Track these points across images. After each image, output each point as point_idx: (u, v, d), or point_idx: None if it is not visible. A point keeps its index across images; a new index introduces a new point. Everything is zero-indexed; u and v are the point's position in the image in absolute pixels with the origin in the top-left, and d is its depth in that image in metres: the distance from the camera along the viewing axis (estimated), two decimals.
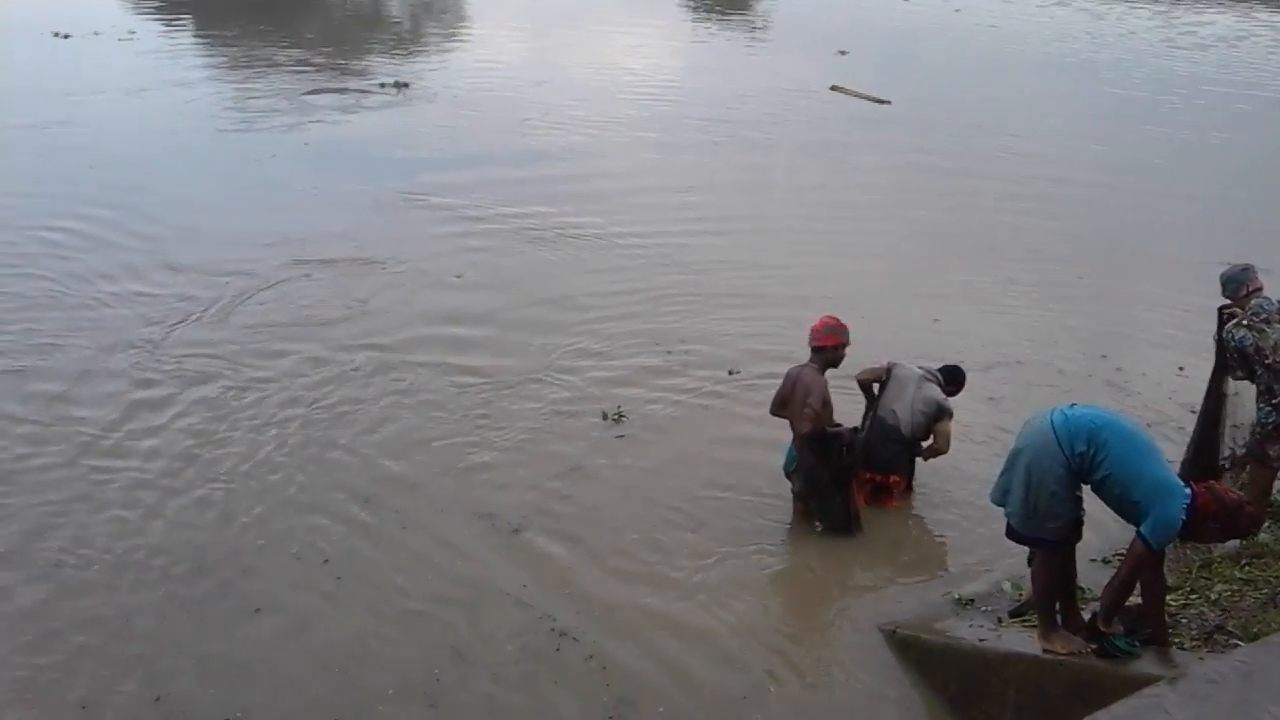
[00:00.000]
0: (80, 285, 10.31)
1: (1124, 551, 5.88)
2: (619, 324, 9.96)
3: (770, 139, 16.40)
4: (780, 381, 6.88)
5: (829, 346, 6.64)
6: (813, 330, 6.71)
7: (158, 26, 25.05)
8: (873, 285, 10.89)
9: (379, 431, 7.98)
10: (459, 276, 10.99)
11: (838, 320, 6.73)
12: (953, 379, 7.23)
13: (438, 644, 5.75)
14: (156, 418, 7.98)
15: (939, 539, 6.99)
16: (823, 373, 6.62)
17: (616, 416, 8.26)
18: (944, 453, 7.05)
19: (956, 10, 28.98)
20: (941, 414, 6.96)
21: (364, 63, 21.62)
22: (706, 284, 10.91)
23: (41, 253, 11.11)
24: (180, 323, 9.60)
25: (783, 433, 6.94)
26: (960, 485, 7.34)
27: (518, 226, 12.40)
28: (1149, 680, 4.44)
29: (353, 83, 19.55)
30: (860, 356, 7.16)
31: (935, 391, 6.98)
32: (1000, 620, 5.80)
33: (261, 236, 11.71)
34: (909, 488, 7.25)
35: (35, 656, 5.58)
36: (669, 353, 9.38)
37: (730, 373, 9.01)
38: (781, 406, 6.85)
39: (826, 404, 6.55)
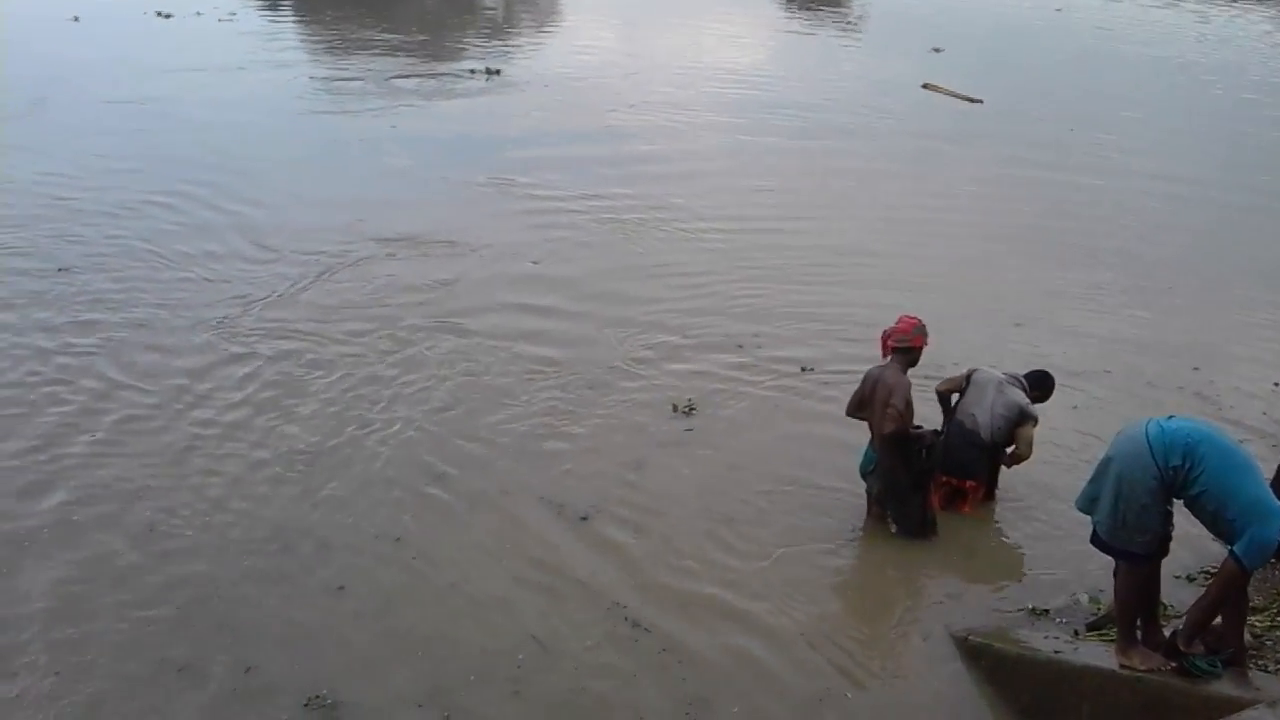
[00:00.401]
0: (174, 259, 10.55)
1: (1210, 569, 5.69)
2: (694, 316, 9.90)
3: (858, 134, 16.22)
4: (858, 382, 6.74)
5: (917, 347, 6.52)
6: (897, 331, 6.54)
7: (257, 9, 25.59)
8: (954, 286, 10.70)
9: (452, 411, 8.04)
10: (536, 262, 11.04)
11: (921, 321, 6.61)
12: (1039, 384, 7.03)
13: (516, 630, 5.76)
14: (239, 392, 8.13)
15: (1014, 547, 6.84)
16: (905, 373, 6.51)
17: (687, 409, 8.22)
18: (1025, 458, 6.85)
19: (1058, 10, 28.30)
20: (1024, 418, 6.79)
21: (456, 48, 21.86)
22: (784, 278, 10.84)
23: (140, 226, 11.37)
24: (264, 299, 9.76)
25: (854, 433, 6.87)
26: (1039, 494, 7.18)
27: (600, 213, 12.47)
28: (1229, 702, 4.30)
29: (444, 67, 19.79)
30: (938, 357, 7.03)
31: (1018, 395, 6.82)
32: (1077, 632, 5.66)
33: (346, 216, 11.88)
34: (989, 495, 7.09)
35: (136, 615, 5.73)
36: (741, 346, 9.30)
37: (804, 369, 8.91)
38: (859, 408, 6.74)
39: (909, 405, 6.43)
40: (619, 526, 6.73)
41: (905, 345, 6.51)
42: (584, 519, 6.78)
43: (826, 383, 8.54)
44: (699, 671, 5.52)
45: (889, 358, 6.57)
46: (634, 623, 5.82)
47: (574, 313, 9.90)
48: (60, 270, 10.12)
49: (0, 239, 10.78)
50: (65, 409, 7.74)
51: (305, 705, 5.17)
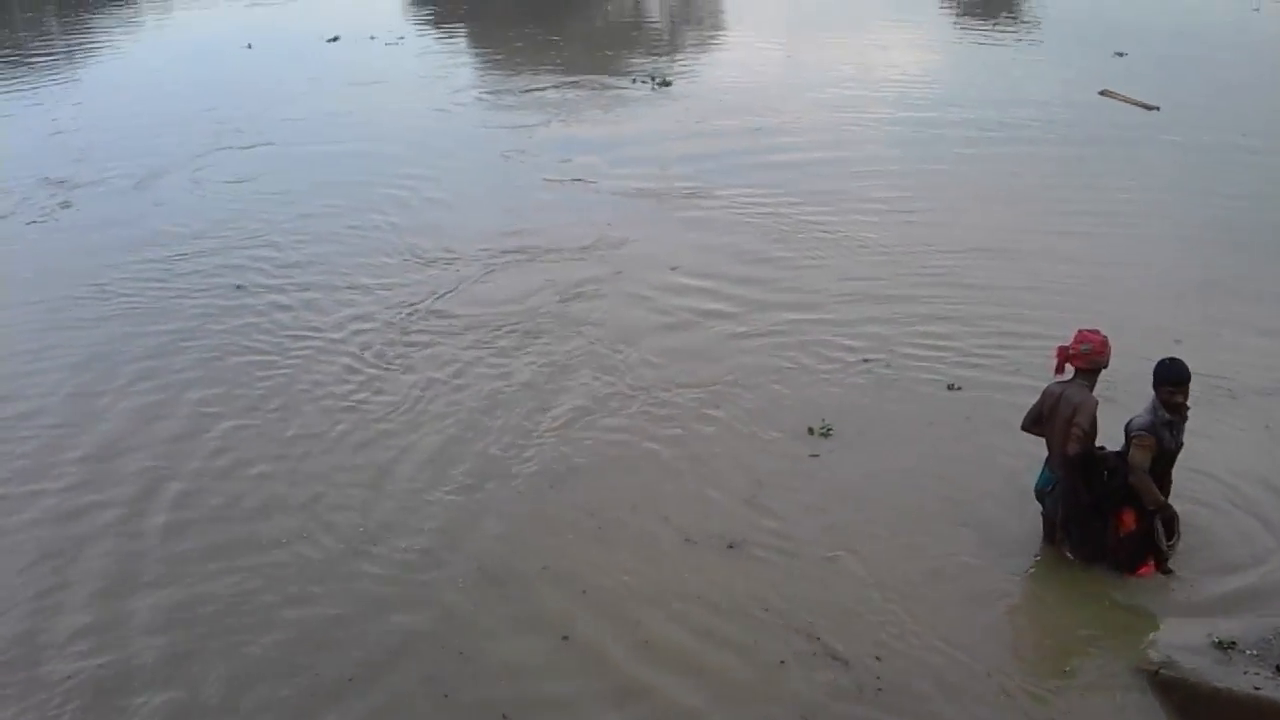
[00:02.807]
0: (348, 266, 11.69)
1: None
2: (839, 328, 9.89)
3: (1029, 144, 15.76)
4: (1038, 398, 6.57)
5: (1106, 364, 6.29)
6: (1087, 350, 6.24)
7: (429, 32, 26.71)
8: (1120, 299, 10.33)
9: (596, 426, 8.41)
10: (674, 268, 11.44)
11: (1106, 336, 6.32)
12: (1162, 376, 6.18)
13: (716, 671, 5.88)
14: (389, 395, 8.90)
15: (1196, 577, 6.47)
16: (1091, 390, 6.26)
17: (824, 431, 8.13)
18: (1140, 489, 6.19)
19: (1255, 9, 26.62)
20: (1127, 438, 6.29)
21: (624, 63, 22.24)
22: (937, 291, 10.72)
23: (315, 231, 12.61)
24: (421, 302, 10.68)
25: (1011, 457, 6.69)
26: (1226, 522, 6.86)
27: (758, 220, 12.77)
28: None
29: (611, 81, 20.21)
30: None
31: (1135, 418, 6.31)
32: (1278, 668, 5.46)
33: (503, 224, 12.69)
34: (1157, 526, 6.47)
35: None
36: (888, 366, 9.17)
37: (950, 388, 8.71)
38: (1035, 423, 6.56)
39: (1094, 425, 6.21)
40: (769, 553, 6.79)
41: (1094, 363, 6.25)
42: (730, 546, 6.86)
43: (984, 401, 8.44)
44: (902, 701, 5.58)
45: (1071, 374, 6.34)
46: (832, 655, 5.92)
47: (714, 325, 10.13)
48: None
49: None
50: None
51: None
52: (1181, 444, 6.26)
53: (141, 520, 7.37)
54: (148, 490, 7.72)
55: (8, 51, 24.08)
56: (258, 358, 9.68)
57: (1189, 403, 6.23)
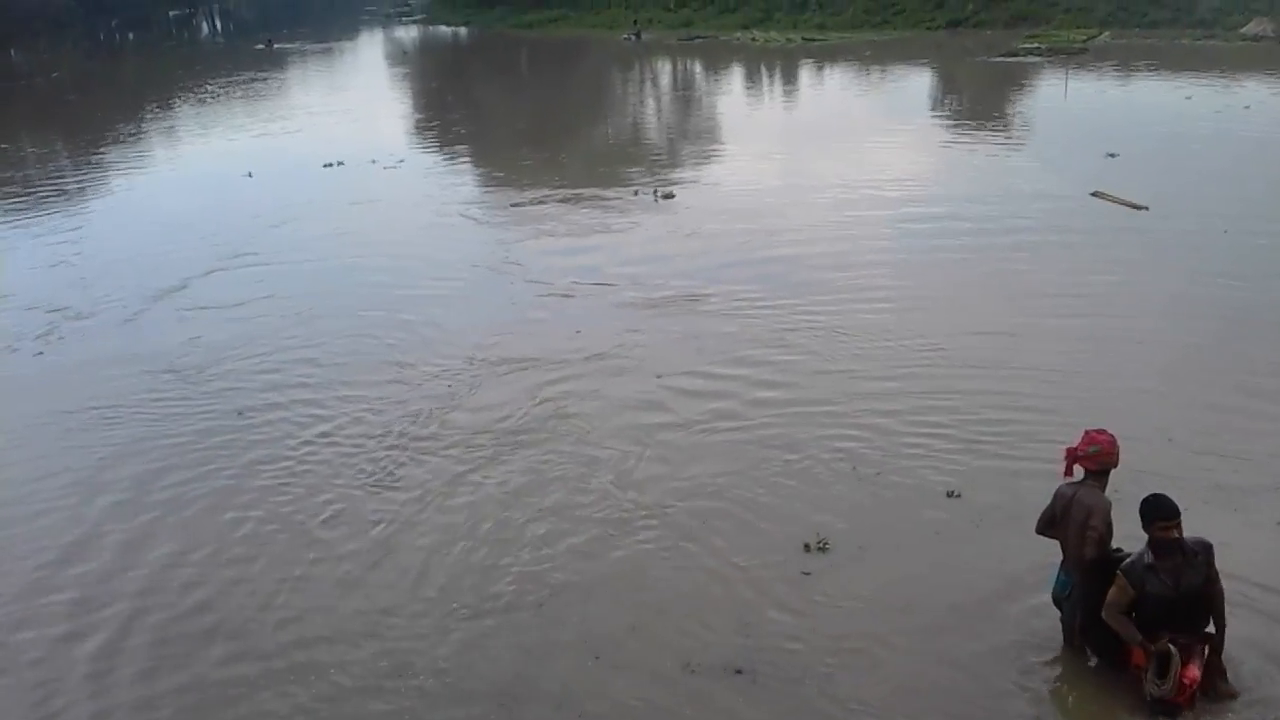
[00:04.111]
0: (342, 386, 11.77)
1: None
2: (831, 428, 9.95)
3: (1022, 240, 15.91)
4: (1050, 501, 6.45)
5: (1115, 464, 6.15)
6: (1097, 453, 6.13)
7: (431, 154, 27.24)
8: (1113, 389, 10.39)
9: (585, 543, 8.31)
10: (659, 377, 11.51)
11: (1115, 436, 6.19)
12: (1147, 514, 5.91)
13: None
14: (378, 515, 8.80)
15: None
16: (1103, 491, 6.13)
17: (821, 546, 7.92)
18: (1114, 627, 5.97)
19: (1246, 107, 26.99)
20: None
21: (625, 177, 22.52)
22: (932, 384, 10.78)
23: (310, 350, 12.83)
24: (413, 420, 10.72)
25: (1024, 562, 6.56)
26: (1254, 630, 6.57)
27: (753, 321, 13.00)
28: None
29: (612, 194, 20.53)
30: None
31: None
32: None
33: (496, 336, 12.99)
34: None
35: None
36: (885, 469, 9.03)
37: (950, 495, 8.51)
38: (1049, 526, 6.41)
39: (1110, 527, 6.07)
40: (785, 684, 6.55)
41: (1103, 464, 6.10)
42: (739, 672, 6.66)
43: (986, 510, 8.30)
44: None
45: (1082, 476, 6.19)
46: None
47: (704, 432, 10.06)
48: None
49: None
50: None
51: None
52: (1188, 585, 5.85)
53: (115, 659, 7.21)
54: (124, 627, 7.59)
55: (17, 188, 24.56)
56: (253, 483, 9.71)
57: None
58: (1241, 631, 6.40)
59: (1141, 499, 5.88)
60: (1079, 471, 6.26)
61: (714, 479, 9.12)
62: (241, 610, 7.77)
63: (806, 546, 7.95)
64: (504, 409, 10.86)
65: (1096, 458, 6.12)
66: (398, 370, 12.12)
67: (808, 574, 7.67)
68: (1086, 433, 6.24)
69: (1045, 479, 7.61)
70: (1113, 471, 6.22)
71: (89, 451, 10.55)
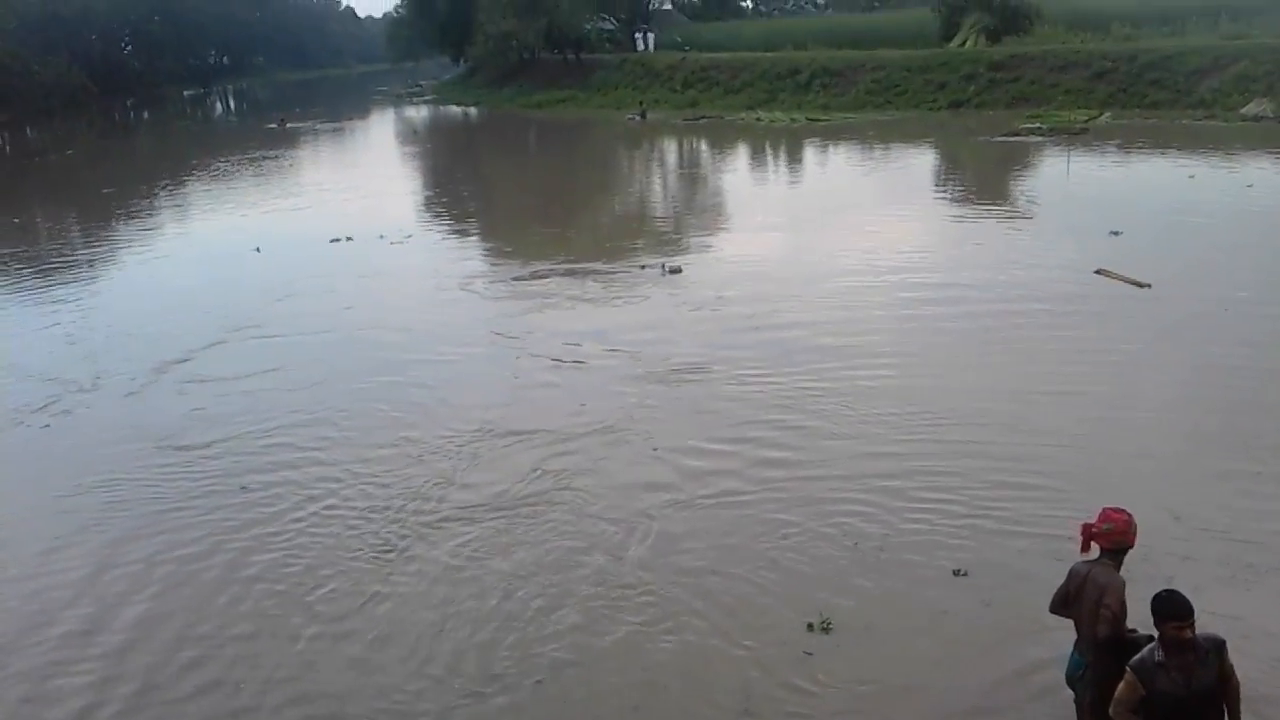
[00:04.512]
0: (346, 460, 11.55)
1: None
2: (832, 502, 9.84)
3: (1026, 316, 15.94)
4: (1064, 579, 6.30)
5: (1131, 544, 6.04)
6: (1110, 530, 6.00)
7: (439, 229, 27.50)
8: (1117, 461, 10.38)
9: (583, 618, 8.21)
10: (654, 450, 11.53)
11: (1131, 516, 6.06)
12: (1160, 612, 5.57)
13: None
14: (380, 588, 8.69)
15: None
16: (1118, 570, 6.01)
17: (824, 626, 7.79)
18: None
19: (1249, 186, 27.19)
20: None
21: (632, 252, 22.73)
22: (934, 461, 10.70)
23: (314, 424, 12.72)
24: (414, 495, 10.62)
25: (1035, 643, 6.35)
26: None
27: (756, 394, 13.00)
28: None
29: (619, 268, 20.67)
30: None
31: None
32: None
33: (499, 409, 13.00)
34: None
35: None
36: (881, 550, 8.91)
37: (956, 573, 8.39)
38: (1063, 604, 6.28)
39: (1124, 606, 5.94)
40: None
41: (1123, 545, 6.01)
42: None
43: (994, 589, 8.16)
44: None
45: (1097, 553, 6.08)
46: None
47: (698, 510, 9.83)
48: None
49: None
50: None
51: None
52: (1200, 684, 5.56)
53: None
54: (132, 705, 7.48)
55: (28, 262, 24.77)
56: (252, 559, 9.64)
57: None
58: None
59: (1154, 595, 5.59)
60: (1096, 549, 6.15)
61: (716, 554, 9.05)
62: (242, 689, 7.67)
63: (810, 626, 7.83)
64: (507, 482, 10.81)
65: (1111, 535, 6.02)
66: (401, 443, 12.10)
67: (810, 654, 7.53)
68: (1104, 510, 6.14)
69: (1051, 557, 7.58)
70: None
71: (92, 527, 10.50)
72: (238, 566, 9.53)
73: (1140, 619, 6.11)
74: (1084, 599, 6.07)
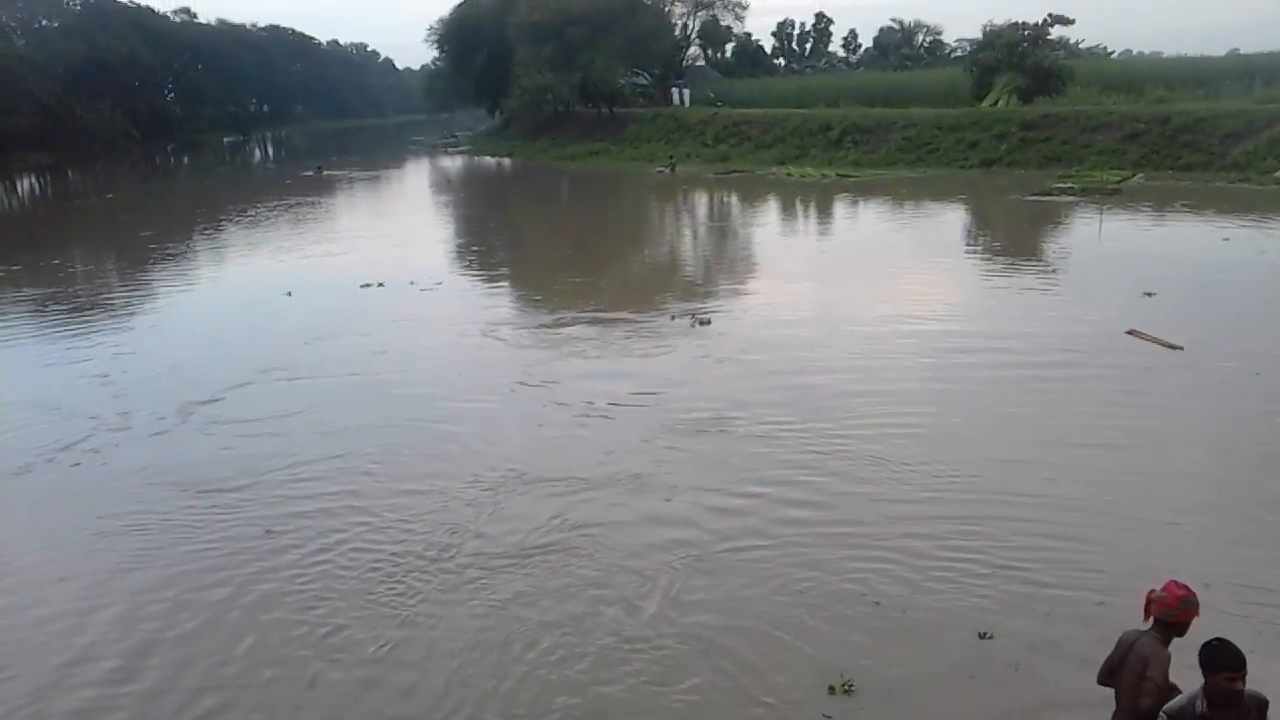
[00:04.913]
0: (371, 505, 11.62)
1: None
2: (852, 560, 9.68)
3: (1056, 374, 15.81)
4: (1111, 649, 6.14)
5: (1182, 622, 5.82)
6: (1162, 601, 5.84)
7: (470, 277, 27.67)
8: (1157, 535, 10.12)
9: (595, 679, 8.12)
10: (667, 500, 11.49)
11: (1191, 591, 5.85)
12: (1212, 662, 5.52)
13: None
14: (399, 635, 8.61)
15: None
16: (1166, 645, 5.82)
17: (846, 688, 7.65)
18: None
19: (1261, 252, 26.96)
20: None
21: (661, 302, 22.75)
22: (960, 524, 10.51)
23: (341, 467, 12.73)
24: (435, 544, 10.60)
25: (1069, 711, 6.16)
26: None
27: (778, 446, 12.92)
28: None
29: (648, 318, 20.74)
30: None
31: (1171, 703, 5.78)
32: None
33: (524, 455, 13.01)
34: None
35: None
36: (904, 611, 8.76)
37: (982, 635, 8.23)
38: (1110, 675, 6.10)
39: (1168, 680, 5.76)
40: None
41: (1169, 618, 5.82)
42: None
43: (1023, 659, 7.94)
44: None
45: (1151, 624, 5.90)
46: None
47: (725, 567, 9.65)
48: None
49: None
50: None
51: None
52: None
53: None
54: None
55: (66, 303, 25.11)
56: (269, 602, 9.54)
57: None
58: None
59: (1204, 643, 5.48)
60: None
61: (735, 608, 8.96)
62: None
63: (831, 688, 7.69)
64: (529, 530, 10.78)
65: (1160, 604, 5.85)
66: (426, 488, 12.12)
67: (830, 717, 7.41)
68: (1169, 582, 5.94)
69: (1079, 621, 7.45)
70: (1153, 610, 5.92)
71: (120, 569, 10.51)
72: (262, 609, 9.53)
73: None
74: (1126, 669, 5.92)
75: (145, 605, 9.71)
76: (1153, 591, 5.92)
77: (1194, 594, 5.84)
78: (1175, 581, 5.91)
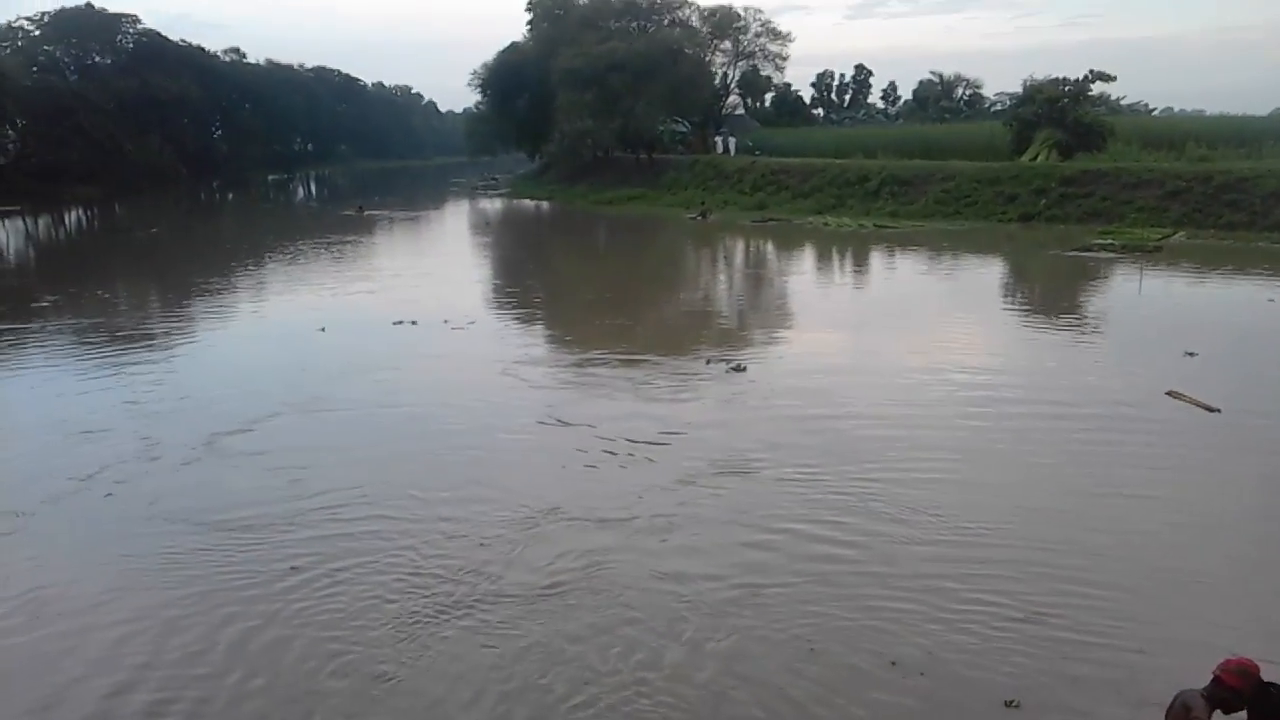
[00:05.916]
0: (393, 544, 11.56)
1: None
2: (872, 624, 9.40)
3: (1093, 432, 15.58)
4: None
5: (1228, 686, 5.75)
6: (1223, 670, 5.81)
7: (504, 316, 27.80)
8: (1191, 593, 9.94)
9: None
10: (664, 539, 11.14)
11: (1246, 665, 5.79)
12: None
13: None
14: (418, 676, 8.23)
15: None
16: (1209, 704, 5.72)
17: None
18: None
19: (1270, 300, 26.63)
20: None
21: (695, 347, 22.71)
22: (985, 581, 10.28)
23: (369, 503, 12.64)
24: (459, 584, 10.52)
25: None
26: None
27: (805, 492, 12.85)
28: None
29: (682, 363, 20.70)
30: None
31: None
32: None
33: (550, 496, 12.93)
34: None
35: None
36: (922, 674, 8.57)
37: (1008, 704, 8.02)
38: None
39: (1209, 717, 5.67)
40: None
41: (1220, 686, 5.77)
42: None
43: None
44: None
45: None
46: None
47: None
48: None
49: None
50: None
51: None
52: None
53: None
54: None
55: (108, 333, 25.42)
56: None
57: None
58: None
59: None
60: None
61: (750, 662, 8.80)
62: None
63: None
64: (551, 572, 10.74)
65: (1220, 669, 5.80)
66: (451, 525, 12.09)
67: None
68: (1240, 658, 5.90)
69: (1110, 688, 7.23)
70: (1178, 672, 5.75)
71: (149, 604, 10.42)
72: (285, 646, 9.47)
73: None
74: (1172, 716, 5.84)
75: (177, 642, 9.65)
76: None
77: (1247, 668, 5.77)
78: (1238, 656, 5.90)
